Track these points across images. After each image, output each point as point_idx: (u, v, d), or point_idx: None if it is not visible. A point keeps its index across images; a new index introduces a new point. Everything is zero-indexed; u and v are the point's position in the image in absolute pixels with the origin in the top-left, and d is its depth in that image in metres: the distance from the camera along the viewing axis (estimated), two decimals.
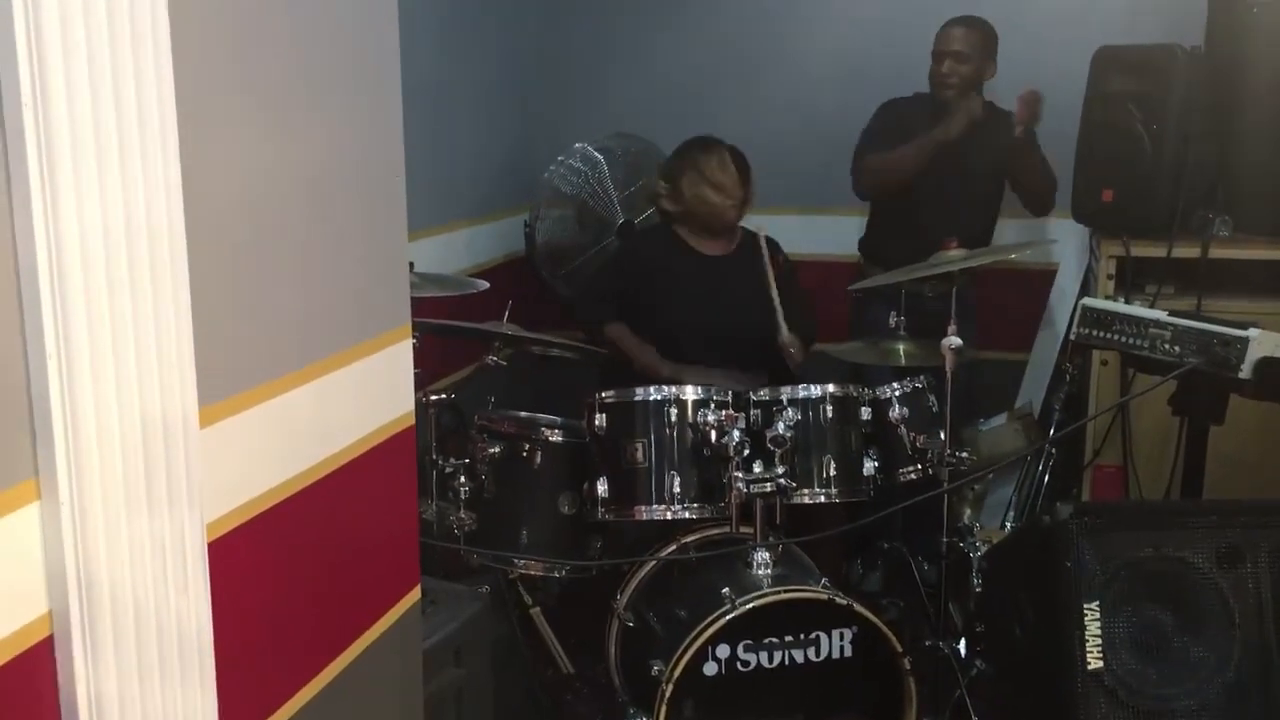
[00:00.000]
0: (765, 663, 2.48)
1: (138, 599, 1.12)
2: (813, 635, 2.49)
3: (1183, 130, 3.24)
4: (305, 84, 1.40)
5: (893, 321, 3.03)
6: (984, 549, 2.81)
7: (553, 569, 2.88)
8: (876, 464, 2.78)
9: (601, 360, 3.35)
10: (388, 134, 1.59)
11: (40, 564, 1.05)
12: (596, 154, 4.00)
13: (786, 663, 2.49)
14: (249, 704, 1.34)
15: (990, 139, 3.47)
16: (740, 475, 2.58)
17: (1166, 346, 2.58)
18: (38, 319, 1.01)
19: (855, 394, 2.81)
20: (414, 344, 1.72)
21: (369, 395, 1.56)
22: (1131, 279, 3.31)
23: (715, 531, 2.77)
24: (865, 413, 2.81)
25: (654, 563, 2.79)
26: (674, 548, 2.79)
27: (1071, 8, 3.84)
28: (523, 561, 2.84)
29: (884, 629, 2.48)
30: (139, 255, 1.09)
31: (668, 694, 2.40)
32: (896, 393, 2.84)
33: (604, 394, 2.76)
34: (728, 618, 2.42)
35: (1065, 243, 3.79)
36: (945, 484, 2.73)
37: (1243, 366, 2.44)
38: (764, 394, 2.75)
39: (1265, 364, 2.42)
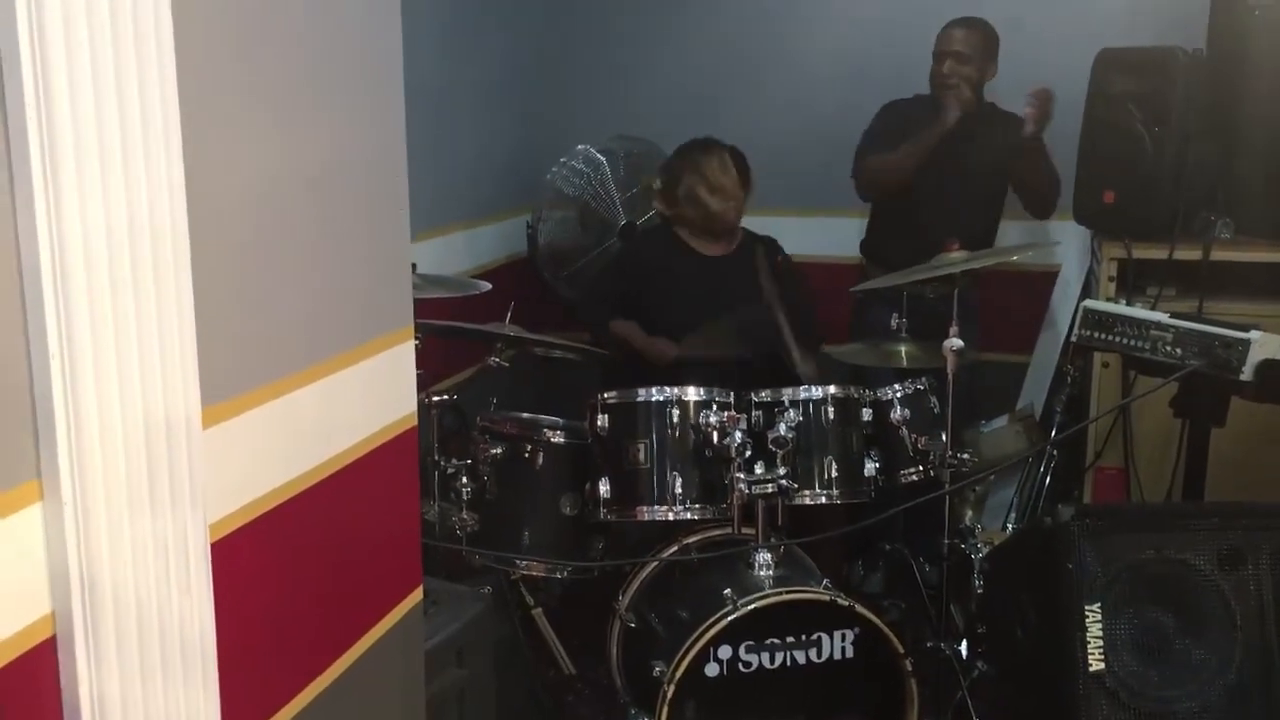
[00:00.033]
0: (767, 664, 2.48)
1: (140, 599, 1.12)
2: (814, 636, 2.49)
3: (1184, 132, 3.24)
4: (308, 84, 1.40)
5: (894, 323, 3.04)
6: (985, 550, 2.81)
7: (555, 570, 2.88)
8: (878, 465, 2.78)
9: (603, 361, 3.36)
10: (390, 135, 1.59)
11: (43, 564, 1.05)
12: (599, 155, 4.00)
13: (788, 664, 2.49)
14: (251, 704, 1.34)
15: (992, 140, 3.47)
16: (742, 476, 2.58)
17: (1168, 349, 2.58)
18: (40, 319, 1.02)
19: (857, 395, 2.81)
20: (416, 345, 1.72)
21: (371, 396, 1.56)
22: (1133, 281, 3.31)
23: (717, 532, 2.77)
24: (867, 414, 2.81)
25: (656, 564, 2.79)
26: (676, 549, 2.79)
27: (1073, 9, 3.84)
28: (525, 562, 2.84)
29: (886, 630, 2.48)
30: (142, 255, 1.09)
31: (669, 695, 2.40)
32: (898, 394, 2.84)
33: (606, 395, 2.76)
34: (729, 619, 2.42)
35: (1067, 244, 3.79)
36: (947, 485, 2.73)
37: (1244, 369, 2.44)
38: (765, 395, 2.75)
39: (1266, 366, 2.42)
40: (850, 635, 2.50)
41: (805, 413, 2.73)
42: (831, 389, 2.78)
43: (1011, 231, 3.73)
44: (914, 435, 2.81)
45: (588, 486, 2.77)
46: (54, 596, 1.06)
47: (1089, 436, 3.42)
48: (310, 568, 1.45)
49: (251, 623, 1.33)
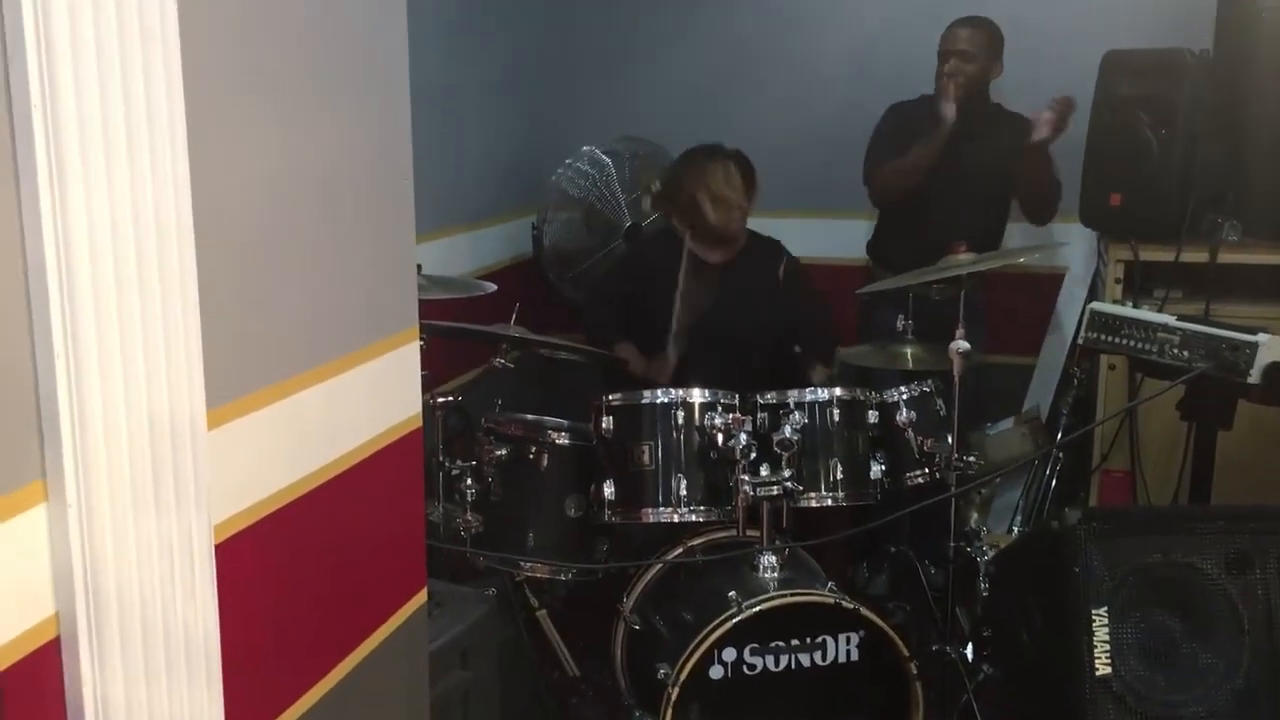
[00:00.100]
0: (772, 666, 2.47)
1: (145, 601, 1.12)
2: (819, 639, 2.49)
3: (1191, 134, 3.23)
4: (314, 84, 1.40)
5: (900, 325, 3.03)
6: (991, 553, 2.80)
7: (559, 571, 2.87)
8: (883, 467, 2.77)
9: (608, 363, 3.35)
10: (396, 135, 1.59)
11: (47, 566, 1.05)
12: (604, 157, 4.00)
13: (793, 667, 2.48)
14: (255, 706, 1.34)
15: (998, 141, 3.46)
16: (747, 478, 2.57)
17: (1175, 351, 2.57)
18: (46, 319, 1.01)
19: (862, 397, 2.80)
20: (421, 346, 1.71)
21: (376, 397, 1.56)
22: (1139, 283, 3.30)
23: (722, 534, 2.77)
24: (872, 416, 2.80)
25: (660, 566, 2.79)
26: (680, 551, 2.78)
27: (1080, 11, 3.83)
28: (529, 564, 2.84)
29: (891, 633, 2.47)
30: (147, 256, 1.09)
31: (673, 697, 2.39)
32: (904, 396, 2.84)
33: (611, 397, 2.75)
34: (734, 621, 2.41)
35: (1073, 247, 3.78)
36: (952, 488, 2.72)
37: (1251, 372, 2.43)
38: (771, 397, 2.75)
39: (1274, 369, 2.41)
40: (855, 638, 2.49)
41: (810, 415, 2.72)
42: (837, 391, 2.77)
43: (1018, 233, 3.73)
44: (920, 437, 2.80)
45: (592, 488, 2.77)
46: (58, 598, 1.06)
47: (1095, 439, 3.42)
48: (314, 569, 1.45)
49: (255, 624, 1.32)
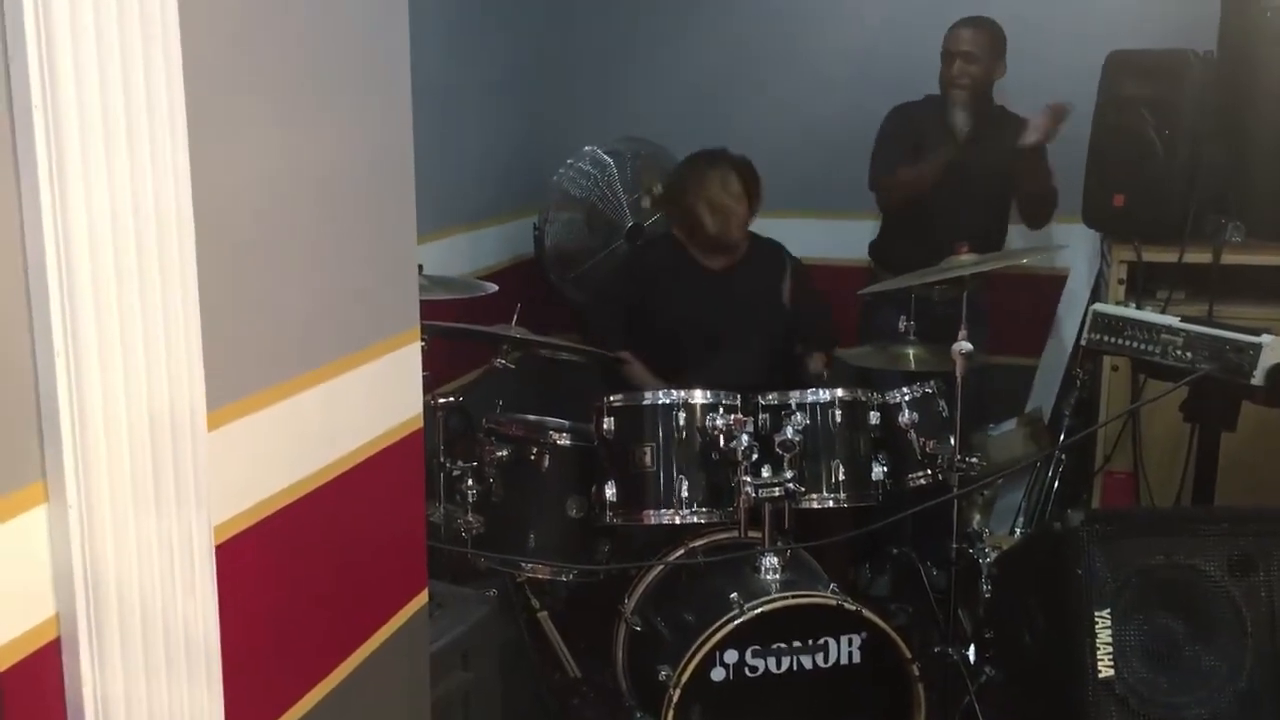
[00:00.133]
0: (773, 668, 2.47)
1: (145, 601, 1.11)
2: (821, 641, 2.48)
3: (1195, 135, 3.23)
4: (315, 83, 1.40)
5: (902, 326, 3.03)
6: (993, 555, 2.80)
7: (560, 573, 2.87)
8: (885, 469, 2.77)
9: (609, 364, 3.35)
10: (397, 135, 1.58)
11: (48, 566, 1.05)
12: (606, 157, 4.00)
13: (795, 668, 2.48)
14: (256, 707, 1.34)
15: (1001, 143, 3.45)
16: (748, 480, 2.56)
17: (1178, 352, 2.56)
18: (46, 318, 1.01)
19: (864, 399, 2.80)
20: (422, 347, 1.71)
21: (377, 398, 1.56)
22: (1142, 284, 3.30)
23: (723, 536, 2.76)
24: (874, 417, 2.80)
25: (662, 567, 2.78)
26: (682, 552, 2.78)
27: (1083, 12, 3.82)
28: (530, 565, 2.84)
29: (893, 635, 2.47)
30: (147, 255, 1.08)
31: (675, 699, 2.39)
32: (906, 397, 2.83)
33: (612, 397, 2.75)
34: (736, 623, 2.41)
35: (1076, 248, 3.77)
36: (955, 489, 2.72)
37: (1255, 373, 2.43)
38: (772, 398, 2.74)
39: (1278, 371, 2.41)
40: (857, 640, 2.49)
41: (812, 416, 2.72)
42: (839, 392, 2.77)
43: (1021, 234, 3.72)
44: (922, 438, 2.80)
45: (594, 489, 2.76)
46: (58, 598, 1.06)
47: (1098, 440, 3.41)
48: (315, 570, 1.44)
49: (256, 625, 1.32)
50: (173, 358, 1.12)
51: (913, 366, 2.98)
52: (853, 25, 4.09)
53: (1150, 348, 2.63)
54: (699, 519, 2.69)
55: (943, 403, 2.85)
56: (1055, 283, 3.93)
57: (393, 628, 1.62)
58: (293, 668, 1.42)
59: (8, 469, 1.00)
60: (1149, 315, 2.73)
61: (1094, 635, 2.27)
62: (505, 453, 2.86)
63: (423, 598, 1.71)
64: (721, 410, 2.67)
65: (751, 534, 2.63)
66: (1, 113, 0.97)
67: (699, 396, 2.71)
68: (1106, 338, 2.74)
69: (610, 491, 2.70)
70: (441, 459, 2.85)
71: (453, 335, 3.05)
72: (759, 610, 2.42)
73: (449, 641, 2.20)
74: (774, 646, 2.47)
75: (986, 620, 2.79)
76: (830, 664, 2.49)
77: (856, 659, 2.49)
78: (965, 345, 2.69)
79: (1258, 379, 2.42)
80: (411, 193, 1.61)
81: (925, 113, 3.58)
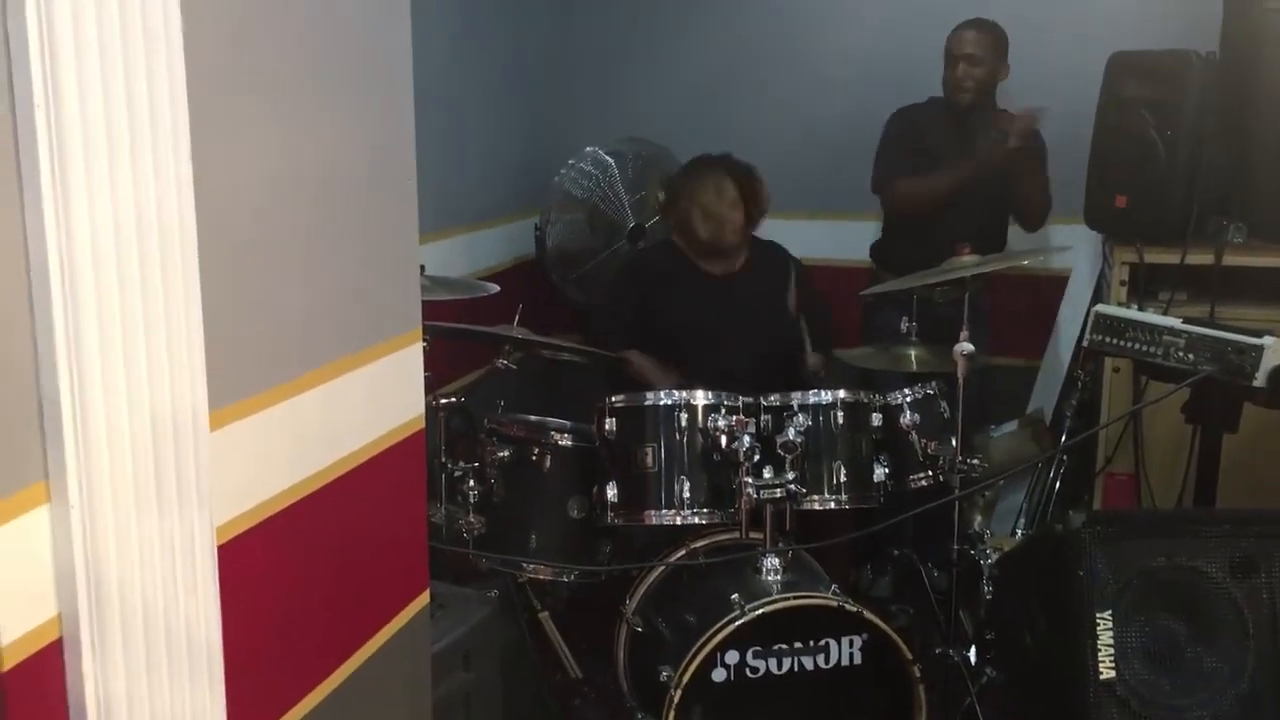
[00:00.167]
0: (774, 669, 2.47)
1: (147, 602, 1.11)
2: (822, 642, 2.48)
3: (1197, 136, 3.22)
4: (317, 84, 1.40)
5: (904, 327, 3.03)
6: (995, 556, 2.80)
7: (562, 573, 2.87)
8: (887, 470, 2.77)
9: (611, 364, 3.35)
10: (399, 135, 1.58)
11: (50, 567, 1.05)
12: (607, 157, 4.00)
13: (796, 669, 2.48)
14: (258, 707, 1.34)
15: (1004, 145, 3.45)
16: (750, 481, 2.56)
17: (1180, 354, 2.56)
18: (48, 320, 1.01)
19: (866, 400, 2.80)
20: (424, 347, 1.71)
21: (379, 398, 1.56)
22: (1144, 286, 3.30)
23: (724, 537, 2.76)
24: (876, 419, 2.80)
25: (663, 568, 2.78)
26: (683, 553, 2.78)
27: (1085, 13, 3.82)
28: (532, 566, 2.84)
29: (894, 636, 2.46)
30: (150, 256, 1.09)
31: (676, 700, 2.39)
32: (908, 399, 2.83)
33: (614, 398, 2.75)
34: (737, 624, 2.41)
35: (1078, 249, 3.77)
36: (956, 491, 2.72)
37: (1257, 375, 2.42)
38: (774, 399, 2.74)
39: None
40: (858, 641, 2.49)
41: (814, 417, 2.72)
42: (841, 393, 2.77)
43: (1022, 236, 3.72)
44: (923, 440, 2.80)
45: (595, 490, 2.76)
46: (60, 599, 1.06)
47: (1099, 442, 3.41)
48: (317, 570, 1.44)
49: (258, 626, 1.32)
50: (174, 358, 1.12)
51: (914, 368, 2.98)
52: (854, 26, 4.09)
53: (1152, 349, 2.62)
54: (700, 520, 2.69)
55: (944, 404, 2.85)
56: (1057, 284, 3.92)
57: (394, 628, 1.62)
58: (294, 668, 1.42)
59: (10, 469, 1.00)
60: (1151, 317, 2.73)
61: (1095, 637, 2.27)
62: (507, 453, 2.86)
63: (424, 598, 1.71)
64: (723, 411, 2.67)
65: (753, 535, 2.63)
66: (4, 110, 0.97)
67: (701, 397, 2.71)
68: (1108, 339, 2.74)
69: (612, 492, 2.70)
70: (443, 459, 2.85)
71: (454, 336, 3.05)
72: (760, 611, 2.42)
73: (450, 642, 2.21)
74: (775, 647, 2.47)
75: (988, 621, 2.79)
76: (831, 665, 2.49)
77: (858, 660, 2.49)
78: (967, 346, 2.69)
79: (1259, 380, 2.42)
80: (413, 193, 1.61)
81: (928, 115, 3.58)
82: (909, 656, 2.47)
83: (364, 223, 1.51)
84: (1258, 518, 2.38)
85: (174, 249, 1.11)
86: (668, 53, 4.28)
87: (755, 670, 2.46)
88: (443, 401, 2.86)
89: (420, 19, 1.60)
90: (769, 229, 3.54)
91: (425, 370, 1.71)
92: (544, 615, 2.87)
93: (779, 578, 2.57)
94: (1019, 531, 3.46)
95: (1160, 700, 2.28)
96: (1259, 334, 2.47)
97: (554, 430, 2.92)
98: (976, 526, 2.99)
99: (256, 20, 1.27)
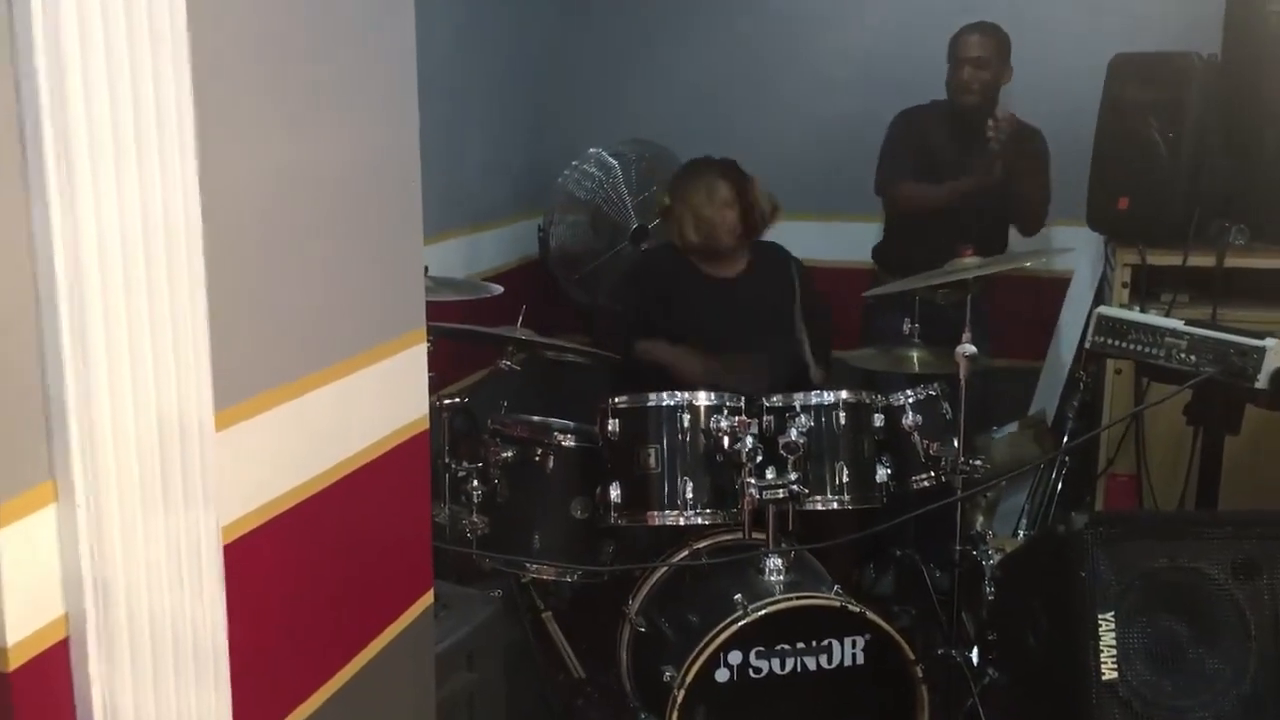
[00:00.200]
0: (777, 669, 2.47)
1: (153, 601, 1.12)
2: (825, 642, 2.49)
3: (1199, 138, 3.22)
4: (323, 86, 1.40)
5: (906, 328, 3.03)
6: (997, 557, 2.80)
7: (565, 574, 2.87)
8: (889, 471, 2.77)
9: (614, 365, 3.35)
10: (404, 136, 1.59)
11: (56, 567, 1.05)
12: (611, 159, 4.01)
13: (798, 670, 2.48)
14: (263, 707, 1.34)
15: (1007, 148, 3.45)
16: (753, 481, 2.57)
17: (1182, 356, 2.56)
18: (55, 319, 1.01)
19: (868, 401, 2.80)
20: (428, 348, 1.72)
21: (384, 399, 1.56)
22: (1146, 287, 3.30)
23: (727, 537, 2.77)
24: (878, 420, 2.80)
25: (666, 568, 2.79)
26: (686, 553, 2.78)
27: (1086, 14, 3.82)
28: (535, 566, 2.84)
29: (896, 637, 2.47)
30: (156, 255, 1.09)
31: (679, 700, 2.39)
32: (910, 400, 2.83)
33: (617, 399, 2.75)
34: (740, 624, 2.41)
35: (1080, 250, 3.77)
36: (958, 491, 2.72)
37: (1259, 376, 2.42)
38: (777, 400, 2.75)
39: None
40: (861, 641, 2.49)
41: (817, 418, 2.72)
42: (843, 394, 2.77)
43: (1023, 237, 3.72)
44: (926, 441, 2.80)
45: (598, 490, 2.77)
46: (67, 599, 1.06)
47: (1101, 443, 3.41)
48: (322, 570, 1.45)
49: (263, 625, 1.33)
50: (180, 358, 1.13)
51: (916, 369, 2.99)
52: (857, 29, 4.09)
53: (1154, 351, 2.62)
54: (703, 520, 2.69)
55: (946, 405, 2.85)
56: (1059, 285, 3.93)
57: (398, 628, 1.63)
58: (299, 668, 1.42)
59: (17, 469, 1.01)
60: (1153, 318, 2.73)
61: (1097, 638, 2.27)
62: (510, 454, 2.86)
63: (428, 598, 1.71)
64: (726, 412, 2.67)
65: (756, 535, 2.63)
66: (11, 111, 0.98)
67: (703, 398, 2.71)
68: (1110, 340, 2.74)
69: (615, 493, 2.70)
70: (446, 460, 2.86)
71: (458, 336, 3.06)
72: (763, 612, 2.43)
73: (454, 642, 2.21)
74: (778, 648, 2.47)
75: (990, 622, 2.79)
76: (834, 665, 2.49)
77: (860, 660, 2.49)
78: (969, 348, 2.69)
79: (1261, 382, 2.42)
80: (418, 194, 1.62)
81: (932, 118, 3.58)
82: (911, 657, 2.47)
83: (368, 223, 1.52)
84: (1260, 519, 2.38)
85: (179, 249, 1.12)
86: (670, 54, 4.28)
87: (758, 670, 2.46)
88: (446, 402, 2.86)
89: (424, 18, 1.60)
90: (773, 231, 3.54)
91: (429, 371, 1.71)
92: (547, 615, 2.87)
93: (782, 578, 2.57)
94: (1021, 532, 3.46)
95: (1162, 701, 2.28)
96: (1261, 336, 2.47)
97: (557, 431, 2.92)
98: (978, 527, 2.99)
99: (261, 22, 1.27)
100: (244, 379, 1.26)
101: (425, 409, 1.67)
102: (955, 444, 2.74)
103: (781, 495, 2.57)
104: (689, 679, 2.39)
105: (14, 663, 1.02)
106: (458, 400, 2.91)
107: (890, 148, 3.59)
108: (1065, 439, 3.47)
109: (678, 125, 4.09)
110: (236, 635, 1.23)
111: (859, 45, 4.08)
